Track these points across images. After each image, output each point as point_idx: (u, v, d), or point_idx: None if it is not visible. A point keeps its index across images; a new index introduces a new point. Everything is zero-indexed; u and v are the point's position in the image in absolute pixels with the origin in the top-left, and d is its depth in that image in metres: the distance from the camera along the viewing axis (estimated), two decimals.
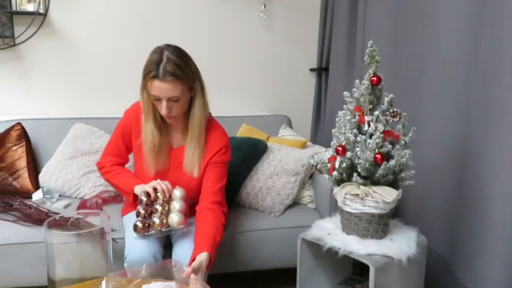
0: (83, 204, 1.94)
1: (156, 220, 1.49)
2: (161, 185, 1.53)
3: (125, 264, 1.50)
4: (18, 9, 2.27)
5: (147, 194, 1.54)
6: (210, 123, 1.65)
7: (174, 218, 1.50)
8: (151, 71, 1.43)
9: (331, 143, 1.50)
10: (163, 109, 1.47)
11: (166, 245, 1.61)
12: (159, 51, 1.45)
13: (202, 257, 1.37)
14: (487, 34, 1.43)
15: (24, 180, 2.05)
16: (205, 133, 1.61)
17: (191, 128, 1.57)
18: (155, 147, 1.57)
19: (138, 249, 1.48)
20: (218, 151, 1.63)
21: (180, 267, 1.35)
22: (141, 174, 1.66)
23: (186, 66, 1.47)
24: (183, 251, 1.51)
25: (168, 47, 1.48)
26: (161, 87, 1.43)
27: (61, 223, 1.28)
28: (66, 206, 1.94)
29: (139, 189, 1.57)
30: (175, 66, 1.42)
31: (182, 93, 1.47)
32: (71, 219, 1.46)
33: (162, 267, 1.38)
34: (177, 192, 1.56)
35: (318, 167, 1.54)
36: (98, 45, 2.46)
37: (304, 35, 2.75)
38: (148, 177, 1.61)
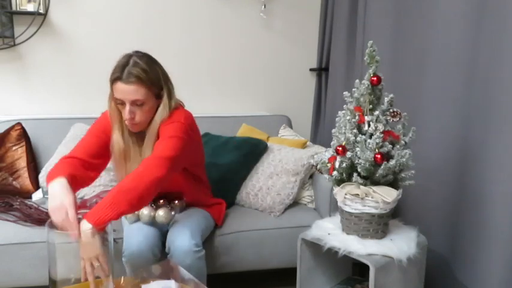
0: (83, 204, 1.93)
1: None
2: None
3: (123, 259, 1.50)
4: (18, 9, 2.26)
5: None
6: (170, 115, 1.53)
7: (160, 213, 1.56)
8: (115, 73, 1.43)
9: (331, 143, 1.50)
10: (126, 113, 1.44)
11: (164, 241, 1.60)
12: (127, 56, 1.46)
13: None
14: (487, 34, 1.43)
15: (24, 180, 2.05)
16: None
17: (148, 133, 1.50)
18: (121, 157, 1.52)
19: (136, 244, 1.48)
20: (165, 123, 1.50)
21: (176, 266, 1.35)
22: (117, 178, 1.61)
23: (152, 71, 1.46)
24: (173, 236, 1.51)
25: (137, 52, 1.48)
26: (124, 89, 1.41)
27: None
28: None
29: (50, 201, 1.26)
30: (140, 70, 1.42)
31: (146, 98, 1.44)
32: None
33: (161, 266, 1.38)
34: (161, 212, 1.58)
35: (318, 167, 1.54)
36: (98, 45, 2.46)
37: (304, 35, 2.75)
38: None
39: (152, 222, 1.60)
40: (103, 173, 2.02)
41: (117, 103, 1.47)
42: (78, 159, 1.44)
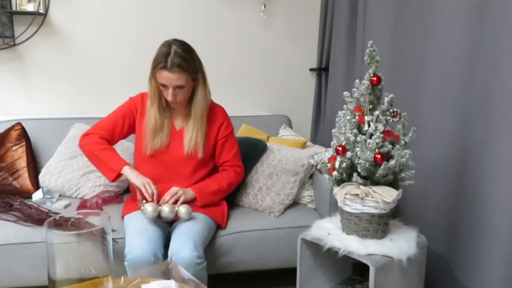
0: (83, 204, 1.94)
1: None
2: (148, 189, 1.66)
3: (126, 263, 1.50)
4: (18, 9, 2.27)
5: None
6: (211, 108, 1.82)
7: (182, 210, 1.64)
8: (160, 62, 1.61)
9: (331, 143, 1.50)
10: (169, 95, 1.65)
11: (167, 245, 1.61)
12: (168, 44, 1.65)
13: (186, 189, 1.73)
14: (487, 34, 1.43)
15: (24, 180, 2.05)
16: (207, 117, 1.78)
17: (194, 112, 1.74)
18: (156, 128, 1.73)
19: (139, 248, 1.48)
20: (220, 127, 1.82)
21: (176, 266, 1.35)
22: (139, 154, 1.80)
23: (191, 59, 1.66)
24: (176, 247, 1.52)
25: (176, 41, 1.67)
26: (169, 77, 1.61)
27: (61, 223, 1.28)
28: (66, 206, 1.94)
29: (133, 178, 1.68)
30: (181, 59, 1.61)
31: (186, 82, 1.65)
32: (71, 219, 1.46)
33: (161, 267, 1.38)
34: (183, 210, 1.64)
35: (318, 167, 1.54)
36: (98, 45, 2.46)
37: (304, 35, 2.75)
38: (144, 157, 1.76)
39: (156, 218, 1.63)
40: None
41: (161, 86, 1.67)
42: (106, 139, 1.76)
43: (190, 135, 1.74)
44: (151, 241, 1.52)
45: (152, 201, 1.63)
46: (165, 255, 1.55)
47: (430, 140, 1.70)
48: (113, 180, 1.72)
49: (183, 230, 1.57)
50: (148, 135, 1.74)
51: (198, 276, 1.48)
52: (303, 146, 2.28)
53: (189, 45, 1.70)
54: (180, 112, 1.79)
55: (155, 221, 1.63)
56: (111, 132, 1.77)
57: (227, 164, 1.85)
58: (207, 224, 1.68)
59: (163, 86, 1.66)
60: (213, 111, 1.82)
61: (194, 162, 1.77)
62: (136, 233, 1.54)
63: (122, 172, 1.68)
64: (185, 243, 1.50)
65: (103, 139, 1.75)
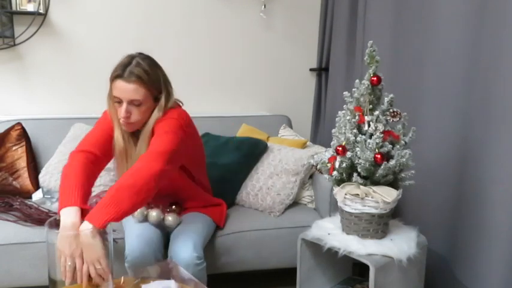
0: (86, 204, 1.93)
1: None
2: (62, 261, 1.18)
3: (126, 264, 1.50)
4: (18, 9, 2.26)
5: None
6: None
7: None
8: (116, 71, 1.43)
9: (331, 143, 1.50)
10: (122, 111, 1.43)
11: (167, 245, 1.61)
12: (130, 56, 1.47)
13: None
14: (487, 34, 1.43)
15: (24, 180, 2.05)
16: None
17: (142, 134, 1.50)
18: (122, 156, 1.53)
19: (139, 249, 1.48)
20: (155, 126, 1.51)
21: (176, 266, 1.35)
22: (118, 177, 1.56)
23: (154, 73, 1.46)
24: (176, 247, 1.51)
25: (140, 54, 1.49)
26: (123, 88, 1.41)
27: None
28: None
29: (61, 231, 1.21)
30: (142, 70, 1.42)
31: (144, 99, 1.44)
32: None
33: (161, 267, 1.38)
34: (170, 218, 1.60)
35: (318, 167, 1.54)
36: (98, 45, 2.46)
37: (304, 35, 2.75)
38: None
39: (159, 223, 1.61)
40: (103, 173, 2.03)
41: (115, 101, 1.46)
42: (90, 153, 1.44)
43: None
44: (152, 242, 1.52)
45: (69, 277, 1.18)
46: (165, 256, 1.55)
47: (430, 140, 1.70)
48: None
49: (183, 231, 1.57)
50: (118, 162, 1.55)
51: (197, 276, 1.47)
52: (303, 146, 2.28)
53: (154, 60, 1.50)
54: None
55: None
56: (99, 146, 1.49)
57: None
58: (206, 223, 1.68)
59: (118, 101, 1.44)
60: (163, 116, 1.51)
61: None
62: (136, 234, 1.54)
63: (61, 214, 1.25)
64: (184, 244, 1.50)
65: (83, 161, 1.42)
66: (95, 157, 1.45)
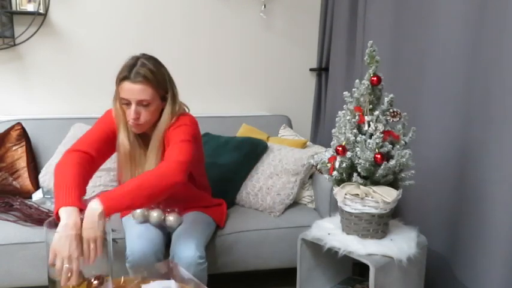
0: (83, 204, 1.93)
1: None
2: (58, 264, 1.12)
3: (127, 265, 1.50)
4: (18, 9, 2.26)
5: None
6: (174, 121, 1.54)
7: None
8: (123, 73, 1.44)
9: (331, 143, 1.50)
10: (131, 113, 1.44)
11: (168, 245, 1.61)
12: (135, 58, 1.47)
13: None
14: (487, 34, 1.43)
15: (24, 180, 2.05)
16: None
17: (153, 137, 1.51)
18: (127, 158, 1.53)
19: (140, 249, 1.48)
20: (173, 128, 1.52)
21: (176, 266, 1.35)
22: (121, 178, 1.60)
23: (159, 72, 1.47)
24: (178, 247, 1.51)
25: (144, 55, 1.50)
26: (131, 89, 1.42)
27: None
28: None
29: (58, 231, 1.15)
30: (148, 70, 1.43)
31: (152, 99, 1.45)
32: None
33: (161, 267, 1.38)
34: (171, 218, 1.61)
35: (318, 167, 1.54)
36: (98, 45, 2.46)
37: (304, 35, 2.75)
38: None
39: (160, 224, 1.61)
40: (103, 173, 2.04)
41: (123, 103, 1.47)
42: (85, 154, 1.41)
43: (155, 163, 1.50)
44: (153, 242, 1.52)
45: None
46: (167, 256, 1.55)
47: (430, 140, 1.70)
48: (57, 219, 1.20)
49: (185, 230, 1.57)
50: (123, 166, 1.54)
51: (198, 276, 1.47)
52: (303, 146, 2.28)
53: (159, 60, 1.52)
54: (146, 138, 1.55)
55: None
56: (94, 146, 1.46)
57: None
58: (207, 223, 1.68)
59: (126, 103, 1.45)
60: (176, 122, 1.54)
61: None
62: (137, 234, 1.54)
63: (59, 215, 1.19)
64: (187, 243, 1.50)
65: (78, 159, 1.38)
66: (90, 157, 1.43)
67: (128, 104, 1.45)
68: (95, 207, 1.19)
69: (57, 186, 1.28)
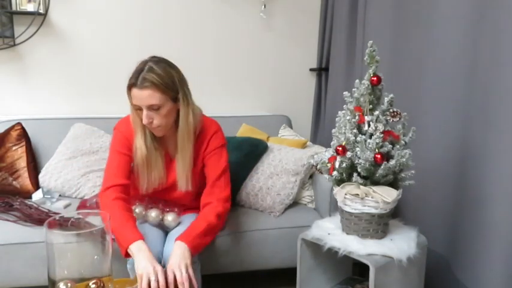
0: (83, 204, 1.93)
1: None
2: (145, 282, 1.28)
3: (128, 266, 1.50)
4: (18, 9, 2.27)
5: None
6: (201, 127, 1.62)
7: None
8: (131, 80, 1.45)
9: (331, 143, 1.50)
10: (144, 118, 1.46)
11: None
12: (143, 62, 1.47)
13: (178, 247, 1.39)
14: (487, 34, 1.43)
15: (24, 180, 2.05)
16: (196, 139, 1.59)
17: (178, 140, 1.54)
18: (144, 163, 1.55)
19: None
20: (208, 142, 1.61)
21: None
22: (134, 189, 1.62)
23: (167, 75, 1.46)
24: (171, 246, 1.49)
25: (153, 57, 1.49)
26: (139, 95, 1.43)
27: (61, 223, 1.28)
28: (66, 206, 1.94)
29: (138, 262, 1.32)
30: (155, 75, 1.43)
31: (162, 102, 1.45)
32: (71, 219, 1.46)
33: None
34: (169, 218, 1.62)
35: (318, 167, 1.54)
36: (98, 45, 2.46)
37: (304, 35, 2.75)
38: (141, 193, 1.62)
39: (159, 223, 1.61)
40: (103, 173, 2.03)
41: (136, 109, 1.49)
42: (119, 186, 1.51)
43: (182, 170, 1.56)
44: (153, 244, 1.51)
45: None
46: None
47: (430, 140, 1.70)
48: (125, 256, 1.40)
49: (179, 231, 1.57)
50: (140, 172, 1.57)
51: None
52: (303, 146, 2.28)
53: (168, 61, 1.51)
54: (171, 140, 1.59)
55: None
56: (123, 174, 1.53)
57: (212, 195, 1.57)
58: None
59: (139, 109, 1.47)
60: (203, 129, 1.61)
61: (192, 194, 1.65)
62: None
63: (129, 252, 1.36)
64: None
65: (118, 200, 1.48)
66: (124, 187, 1.51)
67: (140, 109, 1.47)
68: (185, 251, 1.37)
69: (115, 228, 1.39)
